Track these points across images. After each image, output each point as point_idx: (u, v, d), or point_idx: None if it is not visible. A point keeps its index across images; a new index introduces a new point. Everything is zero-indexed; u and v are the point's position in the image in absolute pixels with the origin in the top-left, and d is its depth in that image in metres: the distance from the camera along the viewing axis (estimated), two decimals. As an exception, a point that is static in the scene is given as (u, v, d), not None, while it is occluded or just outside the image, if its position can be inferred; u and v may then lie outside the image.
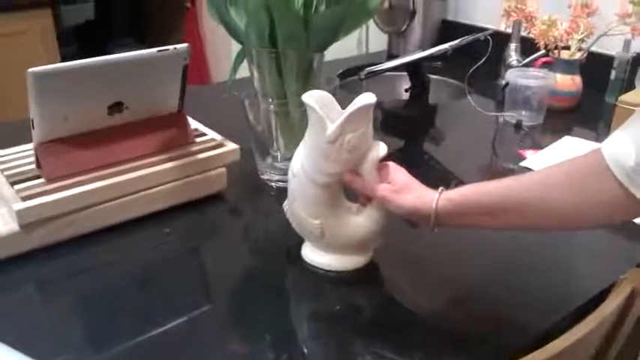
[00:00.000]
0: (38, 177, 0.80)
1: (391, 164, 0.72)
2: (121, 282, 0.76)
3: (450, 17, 1.73)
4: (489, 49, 1.20)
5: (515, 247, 0.82)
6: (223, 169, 0.92)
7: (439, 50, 1.17)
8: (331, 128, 0.67)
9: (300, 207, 0.74)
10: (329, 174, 0.70)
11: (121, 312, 0.70)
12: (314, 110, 0.67)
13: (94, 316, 0.70)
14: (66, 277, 0.77)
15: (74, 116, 0.79)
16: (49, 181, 0.79)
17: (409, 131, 1.27)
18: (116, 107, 0.82)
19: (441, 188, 0.67)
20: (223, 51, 2.54)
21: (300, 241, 0.79)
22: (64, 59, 2.37)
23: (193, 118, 0.99)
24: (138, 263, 0.80)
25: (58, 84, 0.75)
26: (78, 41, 2.99)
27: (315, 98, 0.69)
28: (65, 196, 0.78)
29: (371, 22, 1.71)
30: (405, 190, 0.68)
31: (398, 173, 0.70)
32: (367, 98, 0.67)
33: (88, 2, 3.15)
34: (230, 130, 0.95)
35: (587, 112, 1.32)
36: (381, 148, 0.70)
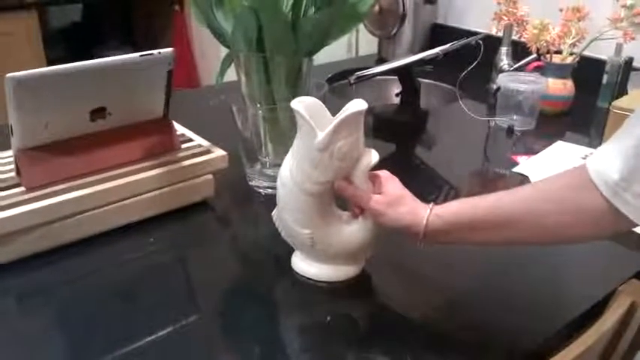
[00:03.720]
0: (18, 185, 0.77)
1: (384, 173, 0.70)
2: (104, 294, 0.74)
3: (441, 21, 1.71)
4: (481, 54, 1.19)
5: (508, 256, 0.80)
6: (210, 176, 0.89)
7: (430, 54, 1.16)
8: (321, 136, 0.65)
9: (289, 216, 0.72)
10: (319, 182, 0.68)
11: (103, 325, 0.68)
12: (303, 117, 0.65)
13: (76, 330, 0.67)
14: (45, 289, 0.74)
15: (55, 122, 0.77)
16: (29, 189, 0.76)
17: (400, 136, 1.25)
18: (99, 113, 0.80)
19: (432, 204, 0.66)
20: (212, 54, 2.52)
21: (289, 251, 0.77)
22: (50, 62, 2.34)
23: (180, 123, 0.97)
24: (121, 274, 0.77)
25: (38, 89, 0.72)
26: (65, 44, 2.95)
27: (304, 105, 0.67)
28: (46, 205, 0.75)
29: (361, 26, 1.70)
30: (398, 203, 0.67)
31: (390, 183, 0.69)
32: (358, 104, 0.66)
33: (76, 4, 3.11)
34: (218, 135, 0.93)
35: (580, 116, 1.31)
36: (373, 156, 0.69)
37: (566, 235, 0.59)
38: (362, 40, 1.89)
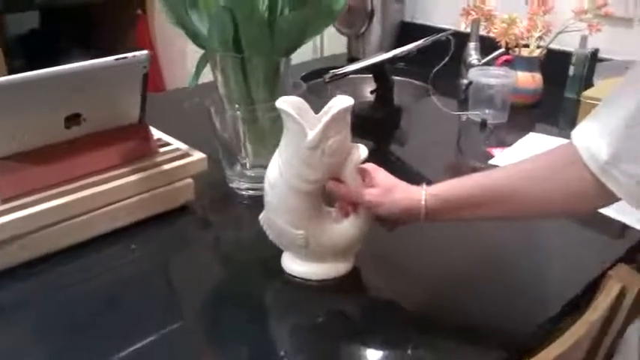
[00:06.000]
0: (-8, 197, 0.75)
1: (370, 165, 0.70)
2: (86, 304, 0.72)
3: (408, 18, 1.73)
4: (451, 49, 1.20)
5: (496, 245, 0.81)
6: (190, 180, 0.88)
7: (404, 51, 1.16)
8: (312, 134, 0.65)
9: (280, 218, 0.71)
10: (311, 181, 0.68)
11: (87, 335, 0.66)
12: (291, 117, 0.65)
13: (59, 340, 0.66)
14: (25, 302, 0.72)
15: (29, 130, 0.75)
16: (4, 200, 0.74)
17: (376, 133, 1.25)
18: (74, 119, 0.78)
19: (423, 184, 0.67)
20: (177, 57, 2.48)
21: (275, 251, 0.76)
22: (11, 72, 2.27)
23: (155, 127, 0.95)
24: (103, 283, 0.75)
25: (6, 99, 0.70)
26: (24, 52, 2.87)
27: (290, 104, 0.66)
28: (22, 216, 0.73)
29: (329, 25, 1.69)
30: (391, 190, 0.68)
31: (379, 174, 0.69)
32: (344, 101, 0.66)
33: (33, 10, 3.02)
34: (195, 138, 0.92)
35: (549, 108, 1.34)
36: (362, 151, 0.69)
37: (551, 210, 0.63)
38: (327, 40, 1.89)
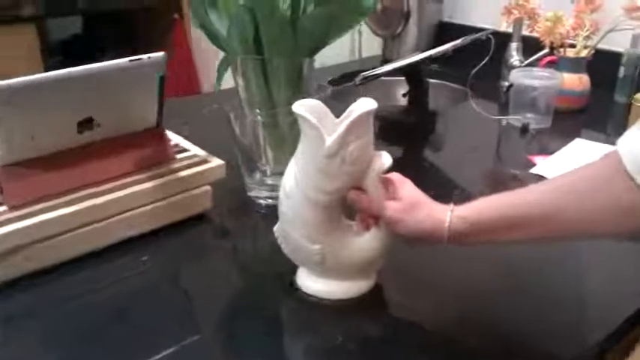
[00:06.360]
0: (0, 204, 0.72)
1: (396, 176, 0.65)
2: (97, 316, 0.68)
3: (446, 18, 1.66)
4: (491, 49, 1.13)
5: (532, 262, 0.74)
6: (208, 188, 0.84)
7: (439, 51, 1.10)
8: (330, 140, 0.59)
9: (296, 231, 0.66)
10: (329, 192, 0.62)
11: (97, 349, 0.62)
12: (308, 121, 0.60)
13: (67, 355, 0.62)
14: (32, 314, 0.68)
15: (40, 135, 0.72)
16: (12, 208, 0.71)
17: (408, 138, 1.19)
18: (86, 124, 0.75)
19: (452, 205, 0.61)
20: (212, 61, 2.48)
21: (293, 265, 0.71)
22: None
23: (178, 132, 0.91)
24: (115, 294, 0.72)
25: (21, 99, 0.67)
26: (64, 56, 2.92)
27: (307, 108, 0.61)
28: (31, 224, 0.70)
29: (364, 27, 1.64)
30: (415, 207, 0.61)
31: (405, 187, 0.63)
32: (367, 104, 0.60)
33: (75, 15, 3.07)
34: (216, 144, 0.88)
35: (597, 112, 1.25)
36: (385, 159, 0.63)
37: (597, 229, 0.55)
38: (365, 42, 1.84)
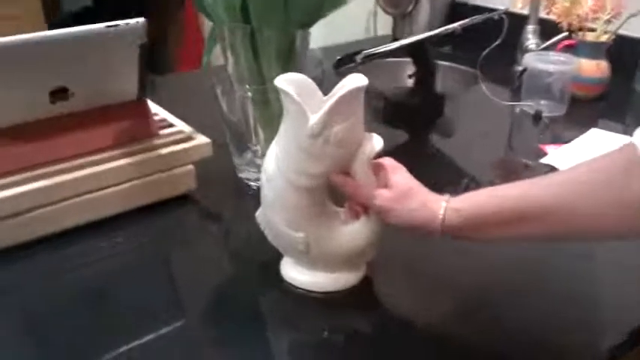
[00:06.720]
0: (-34, 177, 0.68)
1: (388, 162, 0.59)
2: (73, 299, 0.64)
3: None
4: (504, 30, 1.06)
5: (534, 255, 0.69)
6: (191, 167, 0.79)
7: (447, 29, 1.03)
8: (314, 119, 0.54)
9: (278, 217, 0.61)
10: (312, 175, 0.57)
11: (73, 332, 0.59)
12: (290, 97, 0.54)
13: (42, 339, 0.58)
14: (3, 292, 0.65)
15: (7, 104, 0.67)
16: (-23, 181, 0.67)
17: (414, 122, 1.13)
18: (60, 94, 0.70)
19: (447, 196, 0.56)
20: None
21: (280, 253, 0.66)
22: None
23: (169, 107, 0.86)
24: (91, 276, 0.67)
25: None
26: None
27: (290, 82, 0.56)
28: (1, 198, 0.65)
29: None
30: (407, 197, 0.56)
31: (397, 174, 0.58)
32: (357, 80, 0.55)
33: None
34: (208, 121, 0.82)
35: (615, 101, 1.18)
36: (376, 142, 0.58)
37: (605, 226, 0.50)
38: (380, 21, 1.77)
